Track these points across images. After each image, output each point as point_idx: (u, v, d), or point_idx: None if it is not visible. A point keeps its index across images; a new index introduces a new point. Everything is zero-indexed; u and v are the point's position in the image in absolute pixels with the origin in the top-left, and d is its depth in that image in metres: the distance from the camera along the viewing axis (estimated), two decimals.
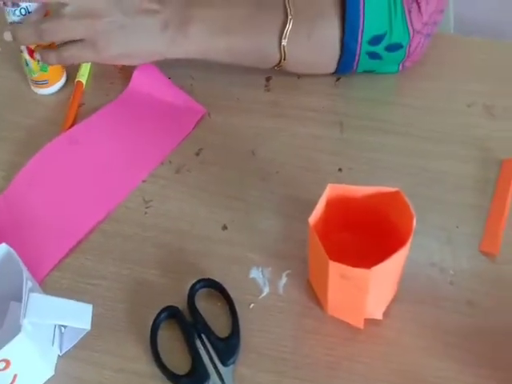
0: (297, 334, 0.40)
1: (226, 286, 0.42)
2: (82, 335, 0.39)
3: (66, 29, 0.48)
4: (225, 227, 0.47)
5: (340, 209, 0.41)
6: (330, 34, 0.51)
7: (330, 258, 0.36)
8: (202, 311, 0.41)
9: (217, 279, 0.42)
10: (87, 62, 0.57)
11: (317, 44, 0.51)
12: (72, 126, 0.54)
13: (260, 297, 0.42)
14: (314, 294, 0.42)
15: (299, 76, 0.56)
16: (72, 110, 0.55)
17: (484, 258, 0.43)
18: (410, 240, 0.37)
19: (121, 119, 0.54)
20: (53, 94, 0.57)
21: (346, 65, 0.53)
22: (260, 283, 0.43)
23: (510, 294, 0.41)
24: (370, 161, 0.50)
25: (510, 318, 0.40)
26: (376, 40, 0.50)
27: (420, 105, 0.54)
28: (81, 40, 0.49)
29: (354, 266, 0.36)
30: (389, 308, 0.41)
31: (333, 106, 0.55)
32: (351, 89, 0.56)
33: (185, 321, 0.40)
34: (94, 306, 0.38)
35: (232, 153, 0.52)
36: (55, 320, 0.36)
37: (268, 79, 0.57)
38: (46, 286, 0.43)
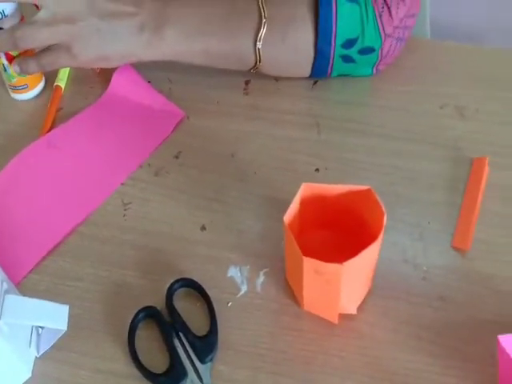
0: (274, 331, 0.41)
1: (204, 285, 0.43)
2: (58, 336, 0.39)
3: (40, 35, 0.49)
4: (203, 228, 0.47)
5: (315, 207, 0.41)
6: (303, 37, 0.52)
7: (305, 255, 0.37)
8: (180, 311, 0.41)
9: (195, 279, 0.43)
10: (65, 67, 0.57)
11: (291, 47, 0.52)
12: (50, 130, 0.54)
13: (238, 295, 0.43)
14: (291, 291, 0.43)
15: (277, 79, 0.57)
16: (50, 115, 0.55)
17: (456, 253, 0.44)
18: (381, 236, 0.37)
19: (99, 123, 0.54)
20: (31, 99, 0.57)
21: (320, 68, 0.54)
22: (238, 282, 0.44)
23: (481, 288, 0.42)
24: (346, 161, 0.51)
25: (481, 312, 0.41)
26: (349, 44, 0.52)
27: (394, 106, 0.55)
28: (57, 45, 0.49)
29: (328, 262, 0.37)
30: (363, 303, 0.42)
31: (310, 108, 0.56)
32: (328, 91, 0.57)
33: (163, 320, 0.41)
34: (71, 308, 0.38)
35: (211, 155, 0.52)
36: (31, 321, 0.37)
37: (247, 83, 0.58)
38: (24, 288, 0.43)
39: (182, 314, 0.41)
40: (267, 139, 0.53)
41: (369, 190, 0.40)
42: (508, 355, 0.33)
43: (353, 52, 0.52)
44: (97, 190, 0.50)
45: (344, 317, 0.41)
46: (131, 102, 0.56)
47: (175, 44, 0.51)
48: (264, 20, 0.51)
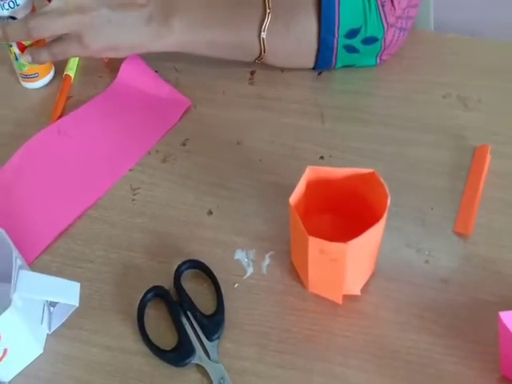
0: (279, 311, 0.42)
1: (211, 267, 0.43)
2: (70, 312, 0.40)
3: (53, 25, 0.50)
4: (210, 212, 0.48)
5: (320, 190, 0.42)
6: (307, 28, 0.53)
7: (310, 235, 0.38)
8: (188, 291, 0.42)
9: (202, 261, 0.44)
10: (76, 56, 0.58)
11: (295, 37, 0.53)
12: (60, 117, 0.55)
13: (244, 277, 0.44)
14: (296, 274, 0.44)
15: (283, 70, 0.58)
16: (60, 103, 0.56)
17: (458, 238, 0.45)
18: (384, 216, 0.38)
19: (109, 111, 0.55)
20: (41, 88, 0.58)
21: (324, 59, 0.55)
22: (244, 264, 0.45)
23: (482, 271, 0.43)
24: (349, 149, 0.52)
25: (482, 294, 0.42)
26: (352, 34, 0.53)
27: (397, 96, 0.56)
28: (68, 35, 0.50)
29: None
30: (367, 285, 0.43)
31: (314, 98, 0.56)
32: (332, 82, 0.58)
33: (171, 300, 0.42)
34: (82, 288, 0.39)
35: (217, 143, 0.53)
36: (44, 295, 0.38)
37: (252, 73, 0.59)
38: (36, 268, 0.44)
39: (190, 294, 0.42)
40: (272, 128, 0.54)
41: (373, 173, 0.41)
42: (509, 331, 0.34)
43: (356, 42, 0.53)
44: (106, 175, 0.51)
45: (348, 298, 0.42)
46: (139, 91, 0.57)
47: (182, 35, 0.52)
48: (268, 11, 0.52)
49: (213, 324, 0.40)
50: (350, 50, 0.54)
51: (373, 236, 0.39)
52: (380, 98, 0.56)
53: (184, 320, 0.41)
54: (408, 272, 0.43)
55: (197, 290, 0.43)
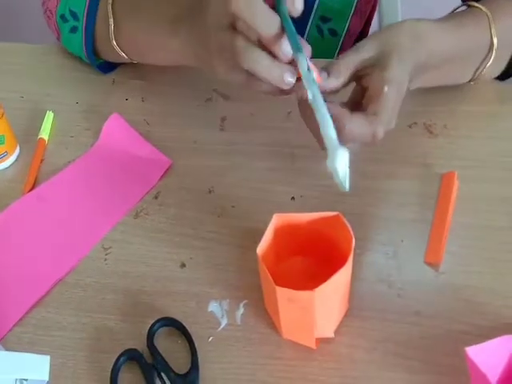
0: (255, 361, 0.41)
1: (185, 322, 0.43)
2: None
3: None
4: (183, 265, 0.48)
5: (289, 235, 0.42)
6: None
7: (278, 284, 0.38)
8: (161, 350, 0.42)
9: (176, 317, 0.43)
10: None
11: None
12: (35, 182, 0.55)
13: (218, 329, 0.43)
14: (271, 321, 0.43)
15: (253, 113, 0.59)
16: (34, 167, 0.56)
17: (429, 268, 0.45)
18: (350, 259, 0.38)
19: (89, 174, 0.55)
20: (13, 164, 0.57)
21: None
22: (218, 316, 0.44)
23: (454, 300, 0.43)
24: (320, 187, 0.52)
25: (454, 323, 0.42)
26: None
27: None
28: None
29: (305, 287, 0.37)
30: (341, 325, 0.42)
31: (285, 138, 0.57)
32: (302, 121, 0.58)
33: (144, 362, 0.41)
34: (55, 357, 0.39)
35: (189, 193, 0.53)
36: (12, 374, 0.37)
37: (223, 119, 0.59)
38: (8, 342, 0.44)
39: (164, 353, 0.42)
40: (243, 172, 0.54)
41: (337, 216, 0.41)
42: (477, 366, 0.33)
43: None
44: (83, 241, 0.50)
45: (322, 341, 0.41)
46: (120, 152, 0.56)
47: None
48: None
49: (187, 383, 0.40)
50: None
51: (340, 279, 0.38)
52: None
53: (158, 382, 0.40)
54: (381, 308, 0.43)
55: (171, 349, 0.42)
